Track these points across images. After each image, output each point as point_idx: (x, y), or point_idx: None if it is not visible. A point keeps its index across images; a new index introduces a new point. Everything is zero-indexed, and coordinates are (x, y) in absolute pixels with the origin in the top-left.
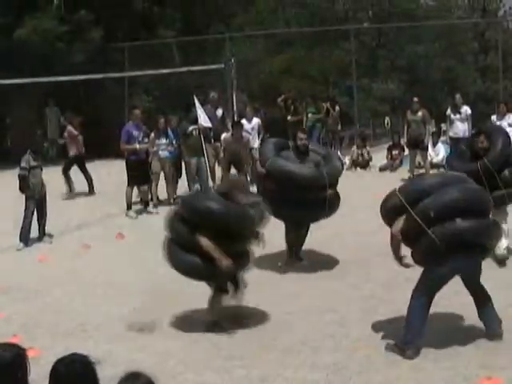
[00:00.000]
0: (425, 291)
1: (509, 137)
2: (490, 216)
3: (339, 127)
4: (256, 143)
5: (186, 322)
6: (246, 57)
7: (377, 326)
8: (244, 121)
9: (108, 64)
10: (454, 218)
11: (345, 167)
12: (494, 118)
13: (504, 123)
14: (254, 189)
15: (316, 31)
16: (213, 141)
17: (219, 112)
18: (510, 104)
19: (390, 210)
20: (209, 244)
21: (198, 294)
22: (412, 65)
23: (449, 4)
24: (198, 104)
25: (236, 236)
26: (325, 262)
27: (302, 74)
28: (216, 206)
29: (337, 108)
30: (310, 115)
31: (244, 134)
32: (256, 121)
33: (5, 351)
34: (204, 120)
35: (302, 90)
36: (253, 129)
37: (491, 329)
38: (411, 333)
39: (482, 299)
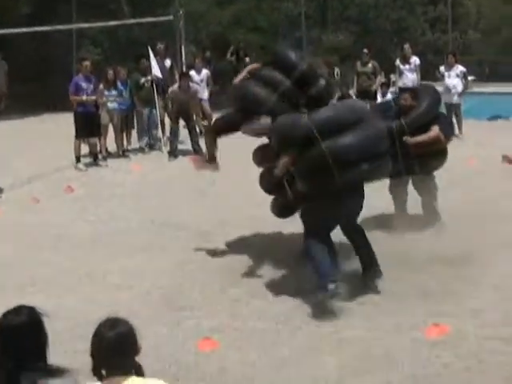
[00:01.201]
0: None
1: (438, 97)
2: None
3: None
4: (205, 94)
5: (137, 274)
6: (196, 8)
7: None
8: (193, 72)
9: (56, 15)
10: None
11: None
12: (442, 68)
13: (452, 73)
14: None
15: None
16: (162, 92)
17: (167, 63)
18: (458, 55)
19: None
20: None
21: (145, 246)
22: (362, 15)
23: None
24: (151, 55)
25: None
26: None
27: (251, 25)
28: None
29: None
30: None
31: (192, 84)
32: (205, 72)
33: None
34: (157, 71)
35: (252, 41)
36: (202, 80)
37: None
38: (320, 275)
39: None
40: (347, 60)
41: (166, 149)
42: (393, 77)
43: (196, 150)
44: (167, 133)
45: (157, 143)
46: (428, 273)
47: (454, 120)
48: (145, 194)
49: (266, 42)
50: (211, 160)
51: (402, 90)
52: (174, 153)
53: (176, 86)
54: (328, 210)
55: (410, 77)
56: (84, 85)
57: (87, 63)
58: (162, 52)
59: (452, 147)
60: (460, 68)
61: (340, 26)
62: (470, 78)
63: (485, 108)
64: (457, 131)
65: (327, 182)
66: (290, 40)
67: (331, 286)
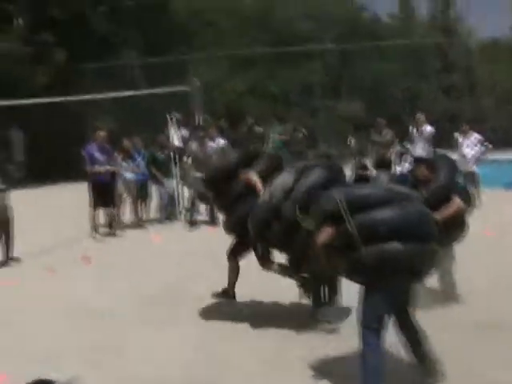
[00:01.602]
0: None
1: (455, 167)
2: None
3: (303, 148)
4: None
5: (158, 347)
6: (210, 77)
7: None
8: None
9: (71, 86)
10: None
11: None
12: (456, 135)
13: (467, 142)
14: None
15: (279, 52)
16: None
17: (183, 132)
18: (472, 124)
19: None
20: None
21: (165, 318)
22: (376, 84)
23: (411, 23)
24: (170, 123)
25: None
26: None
27: (265, 94)
28: None
29: (303, 130)
30: (276, 136)
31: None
32: (221, 142)
33: None
34: (176, 140)
35: (264, 110)
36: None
37: None
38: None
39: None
40: (361, 129)
41: (184, 217)
42: (408, 145)
43: (213, 220)
44: (185, 202)
45: (173, 214)
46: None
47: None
48: (164, 264)
49: (278, 110)
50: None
51: (417, 160)
52: (193, 222)
53: (194, 144)
54: None
55: (422, 146)
56: (97, 154)
57: (103, 133)
58: (179, 121)
59: (470, 217)
60: (475, 135)
61: (354, 96)
62: (486, 145)
63: (501, 175)
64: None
65: None
66: (303, 108)
67: None
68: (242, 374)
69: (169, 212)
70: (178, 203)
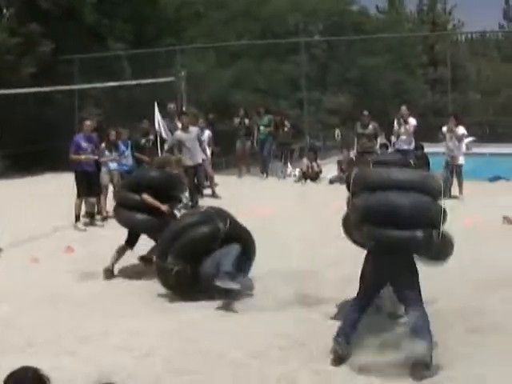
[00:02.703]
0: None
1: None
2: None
3: (291, 140)
4: (208, 155)
5: (138, 335)
6: (197, 69)
7: None
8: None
9: (58, 76)
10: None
11: (295, 179)
12: (444, 129)
13: (453, 135)
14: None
15: (267, 44)
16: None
17: (179, 124)
18: (460, 117)
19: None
20: (149, 197)
21: (146, 307)
22: (362, 78)
23: (399, 17)
24: (156, 113)
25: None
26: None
27: (252, 86)
28: (156, 174)
29: (287, 124)
30: (261, 128)
31: (192, 128)
32: (207, 133)
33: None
34: (162, 129)
35: (253, 102)
36: (204, 140)
37: None
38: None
39: None
40: (348, 122)
41: None
42: (393, 138)
43: (193, 206)
44: None
45: None
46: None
47: (455, 181)
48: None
49: (266, 103)
50: None
51: (400, 152)
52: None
53: (179, 126)
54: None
55: (405, 139)
56: (85, 144)
57: (89, 123)
58: (174, 112)
59: (452, 208)
60: (461, 130)
61: (341, 88)
62: (470, 138)
63: (485, 169)
64: (457, 192)
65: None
66: (290, 101)
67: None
68: (226, 361)
69: None
70: None
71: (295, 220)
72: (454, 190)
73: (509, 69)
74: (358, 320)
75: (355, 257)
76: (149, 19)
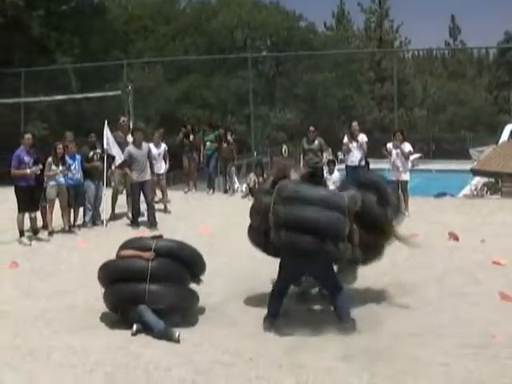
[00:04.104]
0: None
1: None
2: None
3: (234, 155)
4: (163, 168)
5: (82, 351)
6: (144, 84)
7: None
8: (152, 146)
9: (3, 89)
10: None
11: (241, 194)
12: (389, 145)
13: (399, 151)
14: None
15: (215, 59)
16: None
17: (129, 138)
18: (405, 133)
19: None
20: None
21: (90, 323)
22: (309, 93)
23: (346, 34)
24: (107, 130)
25: None
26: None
27: (199, 102)
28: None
29: (229, 136)
30: (208, 143)
31: (144, 144)
32: (163, 146)
33: None
34: (109, 145)
35: (201, 118)
36: (159, 154)
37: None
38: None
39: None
40: (295, 137)
41: (106, 223)
42: (340, 154)
43: (151, 222)
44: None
45: (98, 218)
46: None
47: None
48: (90, 270)
49: (214, 118)
50: None
51: (351, 168)
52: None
53: (131, 142)
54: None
55: (356, 154)
56: (26, 158)
57: (28, 136)
58: (126, 126)
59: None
60: (407, 146)
61: (288, 104)
62: (416, 155)
63: (431, 185)
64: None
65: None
66: (237, 116)
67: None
68: (171, 377)
69: (94, 215)
70: (112, 208)
71: (237, 237)
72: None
73: (455, 86)
74: (281, 305)
75: None
76: (96, 32)
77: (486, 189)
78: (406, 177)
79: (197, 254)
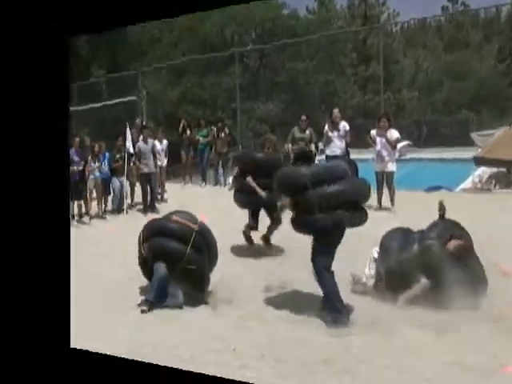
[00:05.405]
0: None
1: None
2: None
3: (226, 149)
4: (164, 163)
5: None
6: (154, 88)
7: None
8: (156, 142)
9: None
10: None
11: (228, 186)
12: (373, 132)
13: (384, 139)
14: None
15: (208, 58)
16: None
17: (141, 137)
18: (391, 118)
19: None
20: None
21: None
22: (292, 83)
23: (328, 14)
24: (128, 133)
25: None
26: None
27: (195, 100)
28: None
29: (226, 131)
30: (200, 139)
31: (150, 140)
32: (165, 142)
33: None
34: (130, 147)
35: (198, 116)
36: (162, 150)
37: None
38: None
39: None
40: (276, 128)
41: (126, 210)
42: (321, 144)
43: (152, 207)
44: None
45: (121, 207)
46: None
47: (386, 190)
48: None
49: (206, 114)
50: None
51: (332, 158)
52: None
53: (140, 139)
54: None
55: (338, 144)
56: (76, 158)
57: (77, 139)
58: (139, 126)
59: (382, 220)
60: (394, 133)
61: (271, 96)
62: (405, 143)
63: (422, 177)
64: (388, 203)
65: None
66: (227, 112)
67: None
68: None
69: (119, 205)
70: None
71: (226, 225)
72: (385, 201)
73: (452, 58)
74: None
75: (290, 260)
76: (120, 47)
77: (494, 181)
78: (392, 167)
79: (217, 248)
